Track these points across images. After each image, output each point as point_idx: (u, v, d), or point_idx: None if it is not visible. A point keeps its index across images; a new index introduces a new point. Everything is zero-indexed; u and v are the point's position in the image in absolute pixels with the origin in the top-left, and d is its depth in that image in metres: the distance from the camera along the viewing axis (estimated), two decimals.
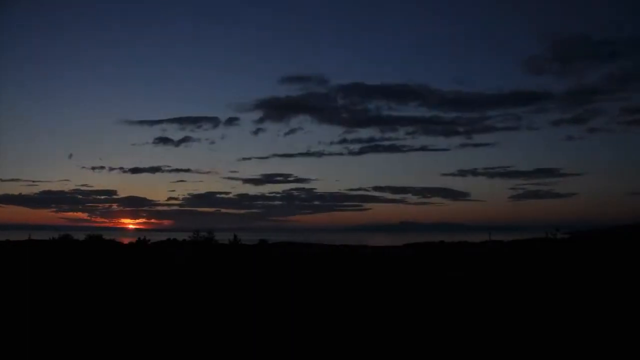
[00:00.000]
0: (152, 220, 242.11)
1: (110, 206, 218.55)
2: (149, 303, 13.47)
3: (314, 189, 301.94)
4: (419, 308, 12.83)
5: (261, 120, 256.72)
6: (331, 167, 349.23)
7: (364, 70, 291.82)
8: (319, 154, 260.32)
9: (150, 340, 9.56)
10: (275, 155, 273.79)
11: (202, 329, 10.43)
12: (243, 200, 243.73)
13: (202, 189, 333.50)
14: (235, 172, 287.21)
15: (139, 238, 37.83)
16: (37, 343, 9.27)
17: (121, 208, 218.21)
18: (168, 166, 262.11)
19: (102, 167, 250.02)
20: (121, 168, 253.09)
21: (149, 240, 38.42)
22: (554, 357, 8.51)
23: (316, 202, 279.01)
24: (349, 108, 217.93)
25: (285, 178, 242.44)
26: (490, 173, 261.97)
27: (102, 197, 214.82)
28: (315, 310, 12.45)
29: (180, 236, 50.47)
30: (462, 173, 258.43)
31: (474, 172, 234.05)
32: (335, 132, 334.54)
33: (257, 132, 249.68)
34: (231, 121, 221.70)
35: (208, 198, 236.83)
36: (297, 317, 11.56)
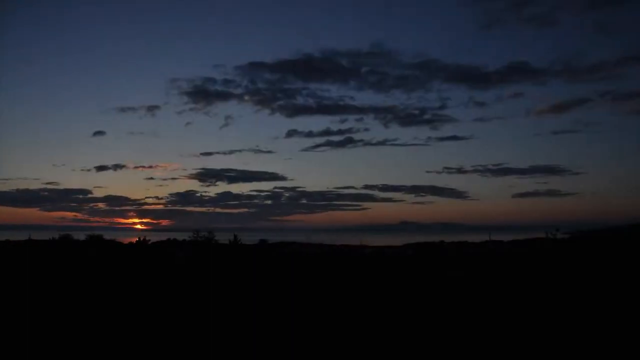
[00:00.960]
0: (147, 220, 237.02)
1: (96, 205, 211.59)
2: (149, 303, 13.47)
3: (299, 187, 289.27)
4: (418, 308, 12.84)
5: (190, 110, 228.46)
6: (301, 163, 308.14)
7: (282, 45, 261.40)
8: (278, 150, 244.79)
9: (150, 340, 9.56)
10: (234, 150, 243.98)
11: (202, 329, 10.44)
12: (226, 199, 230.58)
13: (180, 187, 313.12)
14: (202, 168, 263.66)
15: (139, 238, 37.86)
16: (36, 343, 9.27)
17: (108, 207, 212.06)
18: (132, 162, 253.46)
19: (63, 165, 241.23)
20: (86, 165, 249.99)
21: (149, 240, 38.45)
22: (554, 357, 8.52)
23: (306, 201, 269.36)
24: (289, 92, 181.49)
25: (262, 176, 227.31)
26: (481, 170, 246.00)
27: (79, 196, 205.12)
28: (315, 310, 12.45)
29: (180, 236, 50.50)
30: (449, 170, 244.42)
31: (461, 170, 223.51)
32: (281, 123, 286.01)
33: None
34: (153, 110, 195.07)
35: (189, 197, 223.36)
36: (297, 317, 11.56)
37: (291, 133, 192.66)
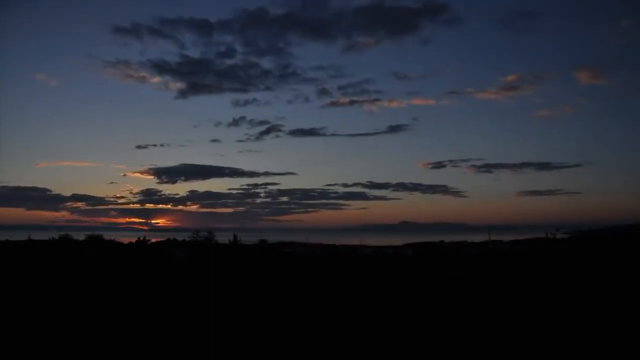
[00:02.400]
0: (137, 220, 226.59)
1: (72, 204, 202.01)
2: (149, 302, 13.48)
3: (277, 183, 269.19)
4: (418, 308, 12.84)
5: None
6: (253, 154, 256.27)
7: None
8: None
9: (150, 340, 9.57)
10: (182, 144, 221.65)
11: (201, 329, 10.44)
12: (197, 198, 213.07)
13: (141, 184, 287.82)
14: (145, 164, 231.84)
15: (139, 238, 37.90)
16: (36, 342, 9.28)
17: (84, 206, 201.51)
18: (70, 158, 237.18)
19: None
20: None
21: (149, 240, 38.51)
22: (554, 357, 8.52)
23: (295, 200, 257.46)
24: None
25: (226, 171, 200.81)
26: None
27: (34, 194, 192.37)
28: (315, 310, 12.45)
29: (181, 236, 50.52)
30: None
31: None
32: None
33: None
34: None
35: (154, 195, 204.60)
36: (297, 316, 11.56)
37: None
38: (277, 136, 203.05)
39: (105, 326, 10.59)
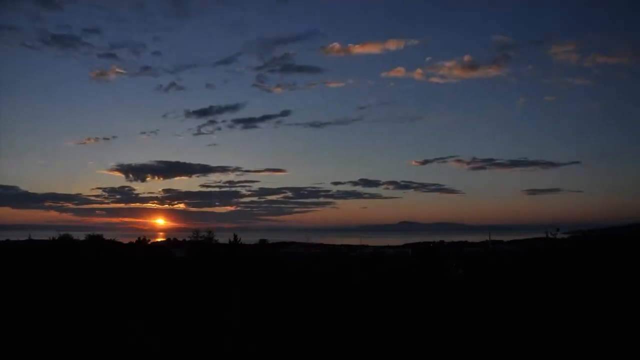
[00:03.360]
0: (125, 219, 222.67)
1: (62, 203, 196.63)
2: (149, 302, 13.48)
3: (256, 181, 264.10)
4: (418, 307, 12.84)
5: None
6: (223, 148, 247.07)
7: None
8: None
9: (151, 339, 9.57)
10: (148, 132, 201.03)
11: (201, 328, 10.44)
12: (176, 196, 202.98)
13: (114, 182, 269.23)
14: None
15: (139, 238, 37.91)
16: (37, 342, 9.28)
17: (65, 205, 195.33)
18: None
19: None
20: None
21: (149, 240, 38.52)
22: (554, 356, 8.52)
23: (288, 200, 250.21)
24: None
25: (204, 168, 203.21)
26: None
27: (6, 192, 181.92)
28: (314, 310, 12.45)
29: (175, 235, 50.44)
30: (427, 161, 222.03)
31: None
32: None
33: None
34: None
35: (127, 194, 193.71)
36: (297, 316, 11.56)
37: None
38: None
39: (106, 325, 10.60)
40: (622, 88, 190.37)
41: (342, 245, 60.70)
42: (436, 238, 69.27)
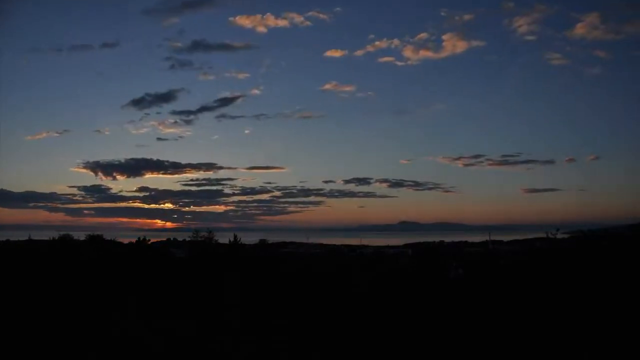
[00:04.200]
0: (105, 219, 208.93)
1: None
2: (149, 302, 13.49)
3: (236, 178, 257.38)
4: (418, 307, 12.84)
5: None
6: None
7: None
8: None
9: (151, 339, 9.58)
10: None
11: (201, 328, 10.45)
12: (161, 196, 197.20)
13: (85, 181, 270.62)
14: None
15: (139, 238, 37.81)
16: (36, 342, 9.29)
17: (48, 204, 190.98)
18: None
19: None
20: None
21: (149, 240, 38.44)
22: (554, 356, 8.53)
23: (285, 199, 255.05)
24: None
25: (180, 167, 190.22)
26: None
27: None
28: (314, 310, 12.46)
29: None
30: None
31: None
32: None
33: None
34: None
35: (104, 192, 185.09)
36: (297, 316, 11.57)
37: None
38: None
39: (107, 324, 10.61)
40: None
41: (342, 245, 60.75)
42: (436, 238, 69.23)
